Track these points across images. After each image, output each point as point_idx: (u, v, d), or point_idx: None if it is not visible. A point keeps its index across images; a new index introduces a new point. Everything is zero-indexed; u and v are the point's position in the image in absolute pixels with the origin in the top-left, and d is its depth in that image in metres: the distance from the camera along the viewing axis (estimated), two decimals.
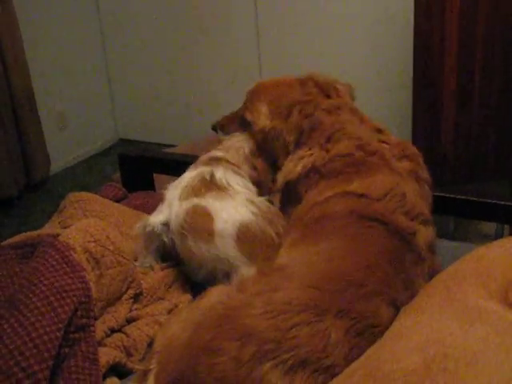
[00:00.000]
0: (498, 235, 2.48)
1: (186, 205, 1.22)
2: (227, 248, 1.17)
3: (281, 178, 1.33)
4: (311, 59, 3.46)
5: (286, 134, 1.36)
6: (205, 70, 3.86)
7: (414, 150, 1.30)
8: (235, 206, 1.19)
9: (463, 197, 1.46)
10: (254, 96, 1.47)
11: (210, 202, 1.20)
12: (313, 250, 1.08)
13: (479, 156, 2.43)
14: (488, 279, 0.87)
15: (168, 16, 3.85)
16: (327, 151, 1.27)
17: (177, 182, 1.32)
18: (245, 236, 1.15)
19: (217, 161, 1.34)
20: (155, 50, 3.98)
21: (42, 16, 3.65)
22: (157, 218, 1.28)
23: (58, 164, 3.85)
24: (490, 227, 2.65)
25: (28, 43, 3.43)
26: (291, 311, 0.91)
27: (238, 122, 1.50)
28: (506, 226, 2.45)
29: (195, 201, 1.21)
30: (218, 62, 3.79)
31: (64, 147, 3.93)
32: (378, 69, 3.30)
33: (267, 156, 1.41)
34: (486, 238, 2.65)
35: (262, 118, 1.41)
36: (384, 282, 1.01)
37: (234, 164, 1.35)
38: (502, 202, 1.44)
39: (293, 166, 1.30)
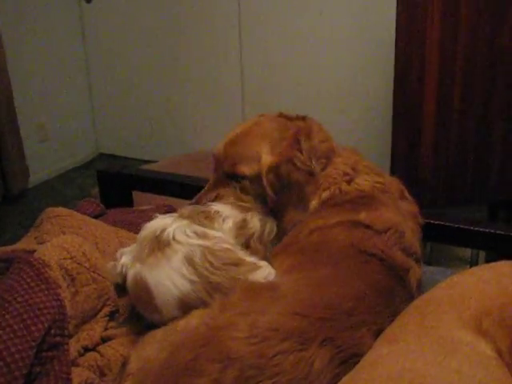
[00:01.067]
0: (474, 259, 2.51)
1: (133, 270, 1.16)
2: (175, 318, 1.10)
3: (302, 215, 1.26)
4: (294, 85, 3.50)
5: (308, 160, 1.26)
6: (186, 87, 3.88)
7: (403, 187, 1.35)
8: (170, 276, 1.11)
9: (439, 222, 1.48)
10: (236, 147, 1.30)
11: (148, 272, 1.13)
12: (307, 275, 1.08)
13: (457, 181, 2.47)
14: (462, 307, 0.88)
15: (150, 33, 3.87)
16: (347, 184, 1.27)
17: (147, 225, 1.23)
18: (187, 308, 1.09)
19: (192, 215, 1.22)
20: (137, 65, 4.00)
21: (25, 28, 3.65)
22: (127, 259, 1.22)
23: (37, 176, 3.82)
24: (465, 251, 2.68)
25: (9, 55, 3.42)
26: (276, 338, 0.90)
27: (218, 182, 1.33)
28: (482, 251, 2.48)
29: (137, 267, 1.15)
30: (200, 78, 3.81)
31: (44, 160, 3.91)
32: (359, 94, 3.34)
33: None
34: (462, 262, 2.69)
35: (264, 157, 1.26)
36: (372, 312, 1.02)
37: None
38: (478, 229, 1.46)
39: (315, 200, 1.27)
